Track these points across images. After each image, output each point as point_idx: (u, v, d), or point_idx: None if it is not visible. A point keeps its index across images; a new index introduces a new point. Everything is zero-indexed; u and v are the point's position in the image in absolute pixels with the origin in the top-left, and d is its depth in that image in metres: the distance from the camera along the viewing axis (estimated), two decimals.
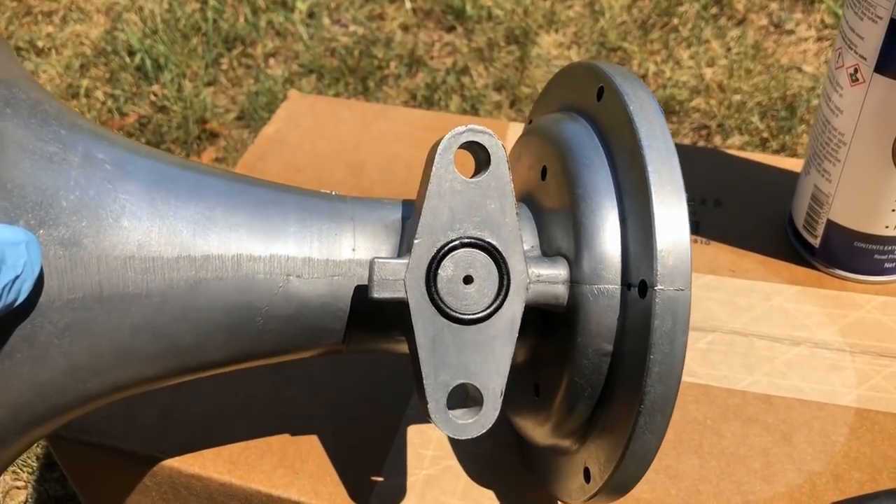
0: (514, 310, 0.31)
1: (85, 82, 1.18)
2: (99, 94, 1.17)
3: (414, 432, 0.42)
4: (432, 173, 0.30)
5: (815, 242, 0.49)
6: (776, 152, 1.01)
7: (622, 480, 0.31)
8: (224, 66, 1.21)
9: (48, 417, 0.29)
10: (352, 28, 1.25)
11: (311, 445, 0.41)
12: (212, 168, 0.33)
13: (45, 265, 0.27)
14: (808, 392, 0.43)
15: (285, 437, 0.42)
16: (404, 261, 0.30)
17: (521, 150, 0.38)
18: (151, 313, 0.29)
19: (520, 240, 0.31)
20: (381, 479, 0.40)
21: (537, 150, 0.36)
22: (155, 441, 0.42)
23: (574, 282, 0.31)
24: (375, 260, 0.30)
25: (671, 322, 0.29)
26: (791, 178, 0.53)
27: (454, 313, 0.30)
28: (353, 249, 0.32)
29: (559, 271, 0.32)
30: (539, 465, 0.38)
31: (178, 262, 0.29)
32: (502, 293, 0.31)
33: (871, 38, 0.41)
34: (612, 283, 0.31)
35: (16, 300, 0.25)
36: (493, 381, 0.31)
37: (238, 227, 0.31)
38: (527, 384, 0.36)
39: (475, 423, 0.30)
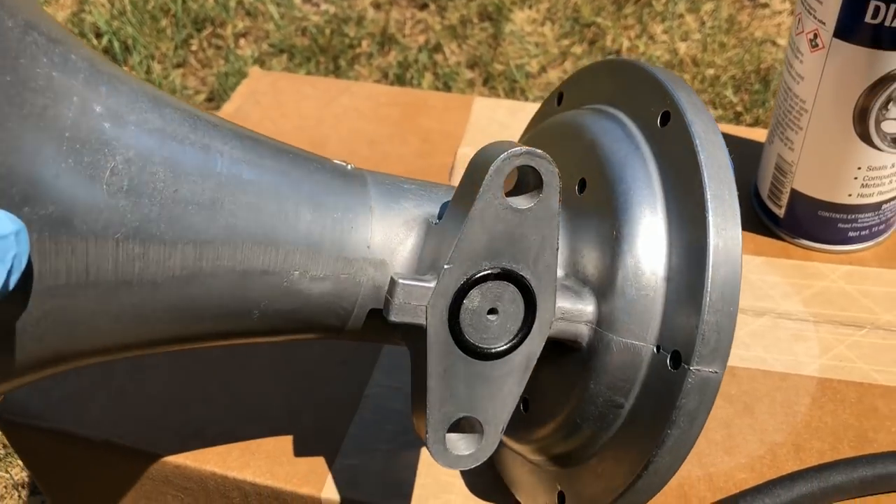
0: (532, 348, 0.29)
1: None
2: None
3: (374, 409, 0.41)
4: (479, 196, 0.27)
5: (780, 212, 0.48)
6: (750, 126, 1.01)
7: None
8: (194, 48, 1.19)
9: None
10: (323, 7, 1.24)
11: (267, 426, 0.41)
12: (223, 124, 0.28)
13: (29, 249, 0.23)
14: (772, 363, 0.43)
15: (241, 417, 0.41)
16: (430, 285, 0.27)
17: (551, 139, 0.34)
18: (138, 302, 0.26)
19: (554, 277, 0.28)
20: (339, 457, 0.39)
21: (576, 154, 0.32)
22: (109, 425, 0.41)
23: (599, 326, 0.29)
24: (399, 282, 0.27)
25: (697, 402, 0.27)
26: (756, 148, 0.53)
27: (473, 346, 0.28)
28: (368, 247, 0.29)
29: (585, 307, 0.29)
30: (508, 465, 0.38)
31: (177, 249, 0.26)
32: (525, 329, 0.29)
33: (830, 2, 0.40)
34: (642, 339, 0.28)
35: (2, 295, 0.22)
36: (498, 416, 0.29)
37: (247, 214, 0.27)
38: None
39: (471, 457, 0.29)
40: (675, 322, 0.28)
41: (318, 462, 0.39)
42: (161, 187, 0.25)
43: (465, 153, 0.55)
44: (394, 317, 0.28)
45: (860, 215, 0.46)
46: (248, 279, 0.28)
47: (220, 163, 0.27)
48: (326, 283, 0.29)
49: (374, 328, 0.31)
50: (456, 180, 0.53)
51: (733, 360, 0.43)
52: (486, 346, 0.28)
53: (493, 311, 0.28)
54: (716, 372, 0.27)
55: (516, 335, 0.29)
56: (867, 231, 0.47)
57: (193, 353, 0.44)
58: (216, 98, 1.11)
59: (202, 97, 1.12)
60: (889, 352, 0.43)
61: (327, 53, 1.14)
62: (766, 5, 1.18)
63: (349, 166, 0.31)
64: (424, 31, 1.19)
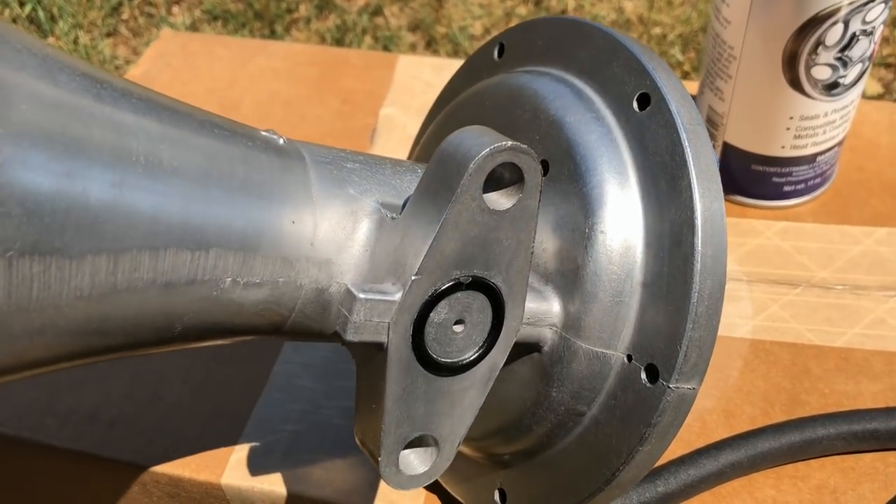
0: (496, 360, 0.26)
1: None
2: None
3: (281, 388, 0.39)
4: (456, 197, 0.23)
5: None
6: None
7: None
8: (125, 16, 1.14)
9: None
10: None
11: (166, 408, 0.38)
12: (136, 92, 0.23)
13: None
14: None
15: (138, 400, 0.38)
16: (394, 298, 0.24)
17: (494, 105, 0.30)
18: (39, 327, 0.21)
19: (526, 283, 0.25)
20: (241, 440, 0.37)
21: (534, 131, 0.29)
22: None
23: (565, 332, 0.26)
24: (359, 297, 0.23)
25: (671, 419, 0.25)
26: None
27: (436, 362, 0.25)
28: (312, 244, 0.25)
29: (550, 308, 0.27)
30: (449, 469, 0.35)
31: (85, 262, 0.20)
32: (489, 340, 0.26)
33: None
34: (611, 348, 0.26)
35: None
36: (455, 431, 0.26)
37: (170, 211, 0.22)
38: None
39: (424, 475, 0.26)
40: (652, 333, 0.25)
41: (219, 446, 0.36)
42: (63, 190, 0.20)
43: (388, 114, 0.52)
44: (351, 336, 0.24)
45: (794, 168, 0.44)
46: (172, 292, 0.22)
47: (136, 146, 0.21)
48: (263, 290, 0.24)
49: (312, 333, 0.26)
50: (379, 143, 0.50)
51: None
52: (449, 361, 0.25)
53: (460, 322, 0.25)
54: (693, 388, 0.25)
55: (481, 346, 0.26)
56: (803, 185, 0.45)
57: None
58: None
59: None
60: (823, 310, 0.41)
61: (263, 19, 1.10)
62: None
63: (281, 139, 0.26)
64: None
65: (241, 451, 0.36)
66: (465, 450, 0.32)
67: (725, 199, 0.46)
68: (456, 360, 0.25)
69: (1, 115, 0.18)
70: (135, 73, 0.56)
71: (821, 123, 0.42)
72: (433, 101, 0.53)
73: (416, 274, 0.23)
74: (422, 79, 0.55)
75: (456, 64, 0.57)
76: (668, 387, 0.25)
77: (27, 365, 0.22)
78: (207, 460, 0.36)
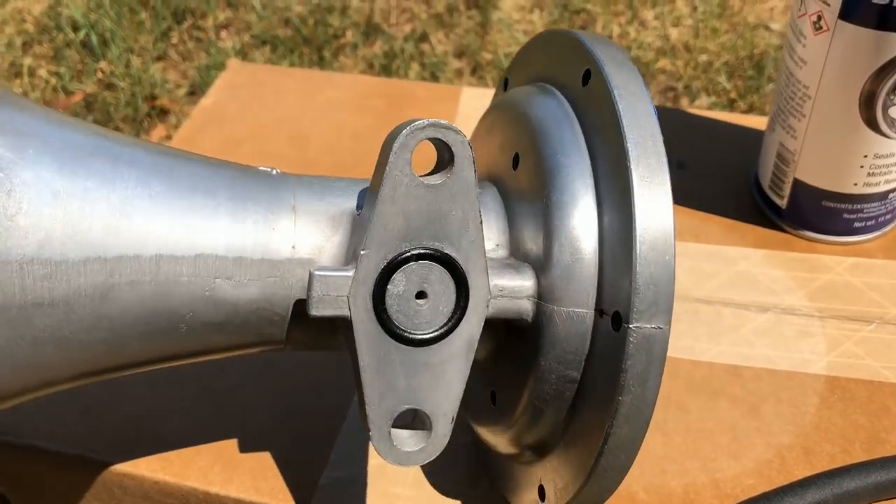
0: (471, 329, 0.27)
1: (28, 60, 1.13)
2: (42, 72, 1.12)
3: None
4: (385, 174, 0.26)
5: (782, 203, 0.46)
6: (745, 113, 0.99)
7: None
8: (174, 40, 1.17)
9: None
10: None
11: (250, 438, 0.39)
12: (134, 141, 0.28)
13: None
14: (777, 361, 0.41)
15: (223, 430, 0.39)
16: (348, 273, 0.26)
17: (493, 121, 0.34)
18: (55, 324, 0.25)
19: (483, 253, 0.27)
20: (326, 471, 0.37)
21: (511, 130, 0.32)
22: (83, 440, 0.39)
23: (541, 298, 0.28)
24: (315, 273, 0.26)
25: (644, 363, 0.26)
26: (756, 137, 0.51)
27: (404, 333, 0.27)
28: (293, 247, 0.28)
29: (525, 283, 0.28)
30: (493, 466, 0.36)
31: (87, 266, 0.25)
32: (459, 311, 0.27)
33: None
34: (583, 306, 0.27)
35: None
36: (444, 406, 0.27)
37: (159, 222, 0.26)
38: (484, 388, 0.33)
39: (422, 452, 0.27)
40: (613, 283, 0.27)
41: (304, 476, 0.37)
42: (64, 204, 0.25)
43: None
44: (314, 311, 0.26)
45: (866, 205, 0.44)
46: (168, 290, 0.26)
47: (128, 174, 0.26)
48: (252, 288, 0.27)
49: (318, 334, 0.29)
50: None
51: (736, 359, 0.41)
52: (418, 332, 0.27)
53: (422, 294, 0.27)
54: (659, 328, 0.26)
55: (451, 317, 0.27)
56: (873, 221, 0.45)
57: None
58: (197, 92, 1.08)
59: (183, 91, 1.09)
60: None
61: (311, 44, 1.12)
62: None
63: (274, 171, 0.30)
64: (410, 20, 1.17)
65: (325, 481, 0.37)
66: (508, 449, 0.32)
67: (794, 234, 0.47)
68: (426, 331, 0.27)
69: (13, 158, 0.24)
70: (205, 103, 0.57)
71: (895, 161, 0.42)
72: None
73: (364, 248, 0.26)
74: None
75: None
76: (630, 328, 0.25)
77: (57, 375, 0.27)
78: (293, 490, 0.37)
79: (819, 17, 0.39)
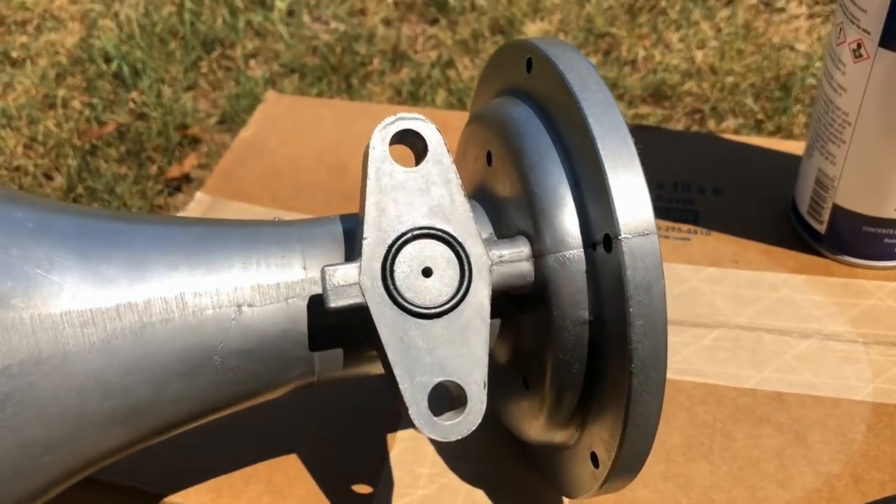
0: (480, 295, 0.29)
1: (61, 92, 1.16)
2: (76, 103, 1.14)
3: (408, 450, 0.40)
4: (369, 169, 0.29)
5: (821, 228, 0.46)
6: (772, 134, 0.99)
7: (630, 454, 0.29)
8: (203, 70, 1.19)
9: None
10: (333, 25, 1.23)
11: (298, 468, 0.39)
12: (143, 214, 0.31)
13: None
14: (822, 387, 0.41)
15: (271, 460, 0.39)
16: (355, 264, 0.28)
17: (465, 144, 0.37)
18: (98, 368, 0.27)
19: (473, 221, 0.30)
20: (374, 501, 0.38)
21: (479, 137, 0.34)
22: (134, 471, 0.39)
23: (537, 256, 0.30)
24: (325, 268, 0.28)
25: (643, 269, 0.27)
26: (791, 161, 0.51)
27: (418, 309, 0.28)
28: (304, 268, 0.30)
29: (521, 248, 0.30)
30: (546, 466, 0.36)
31: (119, 311, 0.27)
32: (465, 280, 0.29)
33: (874, 10, 0.38)
34: (576, 247, 0.29)
35: None
36: (473, 372, 0.29)
37: (177, 265, 0.29)
38: (515, 381, 0.34)
39: (463, 422, 0.28)
40: (595, 215, 0.29)
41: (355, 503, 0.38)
42: (89, 261, 0.27)
43: None
44: (332, 303, 0.28)
45: None
46: (196, 323, 0.29)
47: (145, 230, 0.30)
48: (275, 311, 0.29)
49: (345, 348, 0.31)
50: None
51: (780, 386, 0.41)
52: (432, 307, 0.29)
53: (428, 272, 0.29)
54: (647, 234, 0.27)
55: (459, 287, 0.29)
56: None
57: None
58: (227, 121, 1.10)
59: (214, 120, 1.11)
60: None
61: (339, 72, 1.13)
62: (782, 10, 1.16)
63: (275, 218, 0.33)
64: (436, 47, 1.18)
65: None
66: (561, 433, 0.33)
67: (834, 259, 0.47)
68: (438, 304, 0.29)
69: (41, 233, 0.27)
70: (245, 134, 0.58)
71: None
72: None
73: (364, 237, 0.28)
74: None
75: None
76: (620, 239, 0.27)
77: (110, 438, 0.28)
78: None
79: (859, 45, 0.40)
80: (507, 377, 0.34)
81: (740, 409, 0.40)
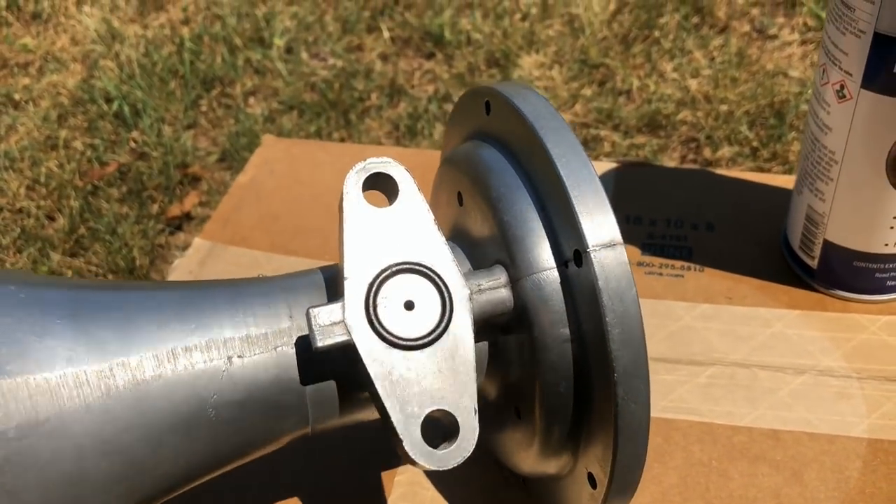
0: (463, 324, 0.30)
1: (63, 133, 1.17)
2: (78, 144, 1.15)
3: (406, 495, 0.40)
4: (345, 212, 0.30)
5: (813, 264, 0.47)
6: (767, 161, 1.00)
7: (624, 467, 0.30)
8: (203, 108, 1.20)
9: None
10: (331, 61, 1.24)
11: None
12: (131, 281, 0.34)
13: None
14: (817, 424, 0.41)
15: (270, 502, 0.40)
16: (339, 303, 0.29)
17: (437, 189, 0.38)
18: (96, 428, 0.27)
19: (449, 253, 0.31)
20: None
21: (449, 180, 0.36)
22: None
23: (514, 281, 0.31)
24: (310, 309, 0.29)
25: (615, 279, 0.28)
26: (783, 196, 0.51)
27: (404, 341, 0.29)
28: (291, 317, 0.31)
29: (498, 276, 0.31)
30: (546, 497, 0.36)
31: (113, 370, 0.28)
32: (447, 310, 0.30)
33: (855, 53, 0.39)
34: (549, 267, 0.30)
35: None
36: (463, 399, 0.29)
37: (167, 323, 0.30)
38: (507, 413, 0.34)
39: (457, 449, 0.29)
40: (564, 233, 0.30)
41: None
42: (81, 323, 0.28)
43: None
44: (319, 343, 0.29)
45: None
46: (189, 377, 0.29)
47: (131, 296, 0.30)
48: (265, 360, 0.30)
49: (338, 390, 0.31)
50: None
51: (775, 423, 0.41)
52: (416, 336, 0.29)
53: (410, 305, 0.30)
54: (614, 244, 0.28)
55: (441, 317, 0.30)
56: None
57: None
58: (228, 158, 1.11)
59: (214, 158, 1.12)
60: None
61: (337, 108, 1.14)
62: (774, 37, 1.17)
63: (259, 275, 0.34)
64: (433, 81, 1.19)
65: None
66: (557, 460, 0.33)
67: (827, 294, 0.47)
68: (423, 336, 0.29)
69: (32, 299, 0.28)
70: (242, 179, 0.59)
71: None
72: None
73: (346, 278, 0.29)
74: None
75: None
76: (589, 251, 0.28)
77: (108, 491, 0.28)
78: None
79: (842, 86, 0.40)
80: (498, 411, 0.35)
81: (736, 447, 0.41)
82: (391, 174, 0.31)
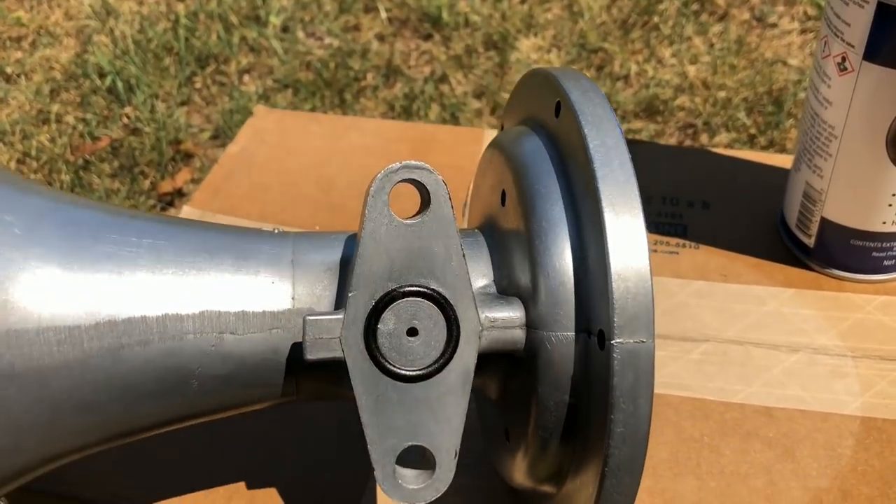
0: (466, 361, 0.28)
1: (55, 107, 1.16)
2: (70, 118, 1.14)
3: None
4: (365, 218, 0.27)
5: (810, 242, 0.46)
6: (764, 148, 0.99)
7: None
8: (197, 85, 1.19)
9: None
10: (327, 40, 1.23)
11: (281, 487, 0.39)
12: (142, 214, 0.30)
13: None
14: (810, 402, 0.41)
15: (254, 478, 0.39)
16: (339, 316, 0.27)
17: (486, 165, 0.35)
18: (72, 385, 0.26)
19: (469, 284, 0.28)
20: None
21: (498, 169, 0.33)
22: (116, 487, 0.39)
23: (531, 326, 0.28)
24: (307, 318, 0.27)
25: (632, 378, 0.26)
26: (780, 175, 0.51)
27: (398, 370, 0.27)
28: (293, 298, 0.29)
29: (515, 314, 0.29)
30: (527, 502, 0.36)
31: (98, 329, 0.27)
32: (452, 344, 0.28)
33: (858, 24, 0.38)
34: (569, 329, 0.28)
35: None
36: (447, 441, 0.28)
37: (164, 284, 0.28)
38: (499, 427, 0.33)
39: (428, 488, 0.28)
40: (595, 303, 0.27)
41: None
42: (73, 275, 0.27)
43: None
44: (309, 355, 0.27)
45: (895, 243, 0.44)
46: (175, 347, 0.28)
47: (135, 241, 0.28)
48: (257, 340, 0.28)
49: (325, 381, 0.30)
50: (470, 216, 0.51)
51: (769, 400, 0.41)
52: (413, 369, 0.28)
53: (413, 331, 0.28)
54: (643, 341, 0.26)
55: (444, 352, 0.28)
56: None
57: None
58: (221, 135, 1.10)
59: (207, 135, 1.11)
60: None
61: (332, 87, 1.13)
62: (774, 25, 1.17)
63: (275, 230, 0.31)
64: (430, 62, 1.18)
65: None
66: (540, 487, 0.32)
67: (823, 273, 0.47)
68: (420, 368, 0.27)
69: (27, 238, 0.26)
70: (232, 149, 0.58)
71: None
72: None
73: (351, 290, 0.27)
74: None
75: None
76: (613, 343, 0.26)
77: (85, 441, 0.28)
78: None
79: (843, 59, 0.40)
80: (494, 419, 0.34)
81: (728, 423, 0.40)
82: (425, 182, 0.27)
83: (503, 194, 0.32)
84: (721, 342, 0.44)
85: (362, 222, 0.27)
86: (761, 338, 0.44)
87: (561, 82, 0.30)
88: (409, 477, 0.28)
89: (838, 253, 0.45)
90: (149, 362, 0.27)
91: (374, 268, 0.27)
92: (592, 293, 0.27)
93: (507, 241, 0.31)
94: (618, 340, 0.26)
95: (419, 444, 0.28)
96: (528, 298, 0.29)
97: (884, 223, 0.43)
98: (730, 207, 0.51)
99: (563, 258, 0.28)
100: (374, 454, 0.27)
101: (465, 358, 0.28)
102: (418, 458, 0.28)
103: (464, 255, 0.28)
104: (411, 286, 0.27)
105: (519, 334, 0.29)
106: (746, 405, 0.41)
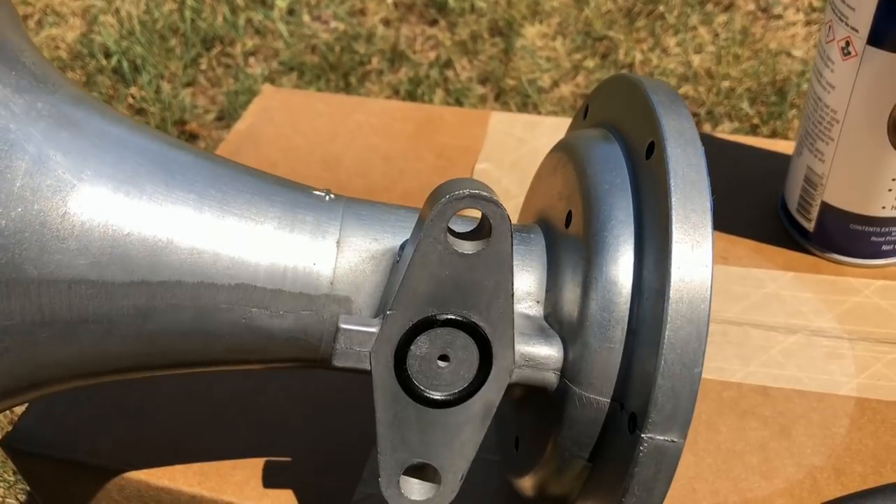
0: (491, 396, 0.28)
1: None
2: None
3: None
4: (420, 240, 0.26)
5: (810, 226, 0.47)
6: (767, 138, 1.00)
7: None
8: (203, 66, 1.19)
9: None
10: (332, 24, 1.23)
11: (286, 454, 0.39)
12: (195, 155, 0.29)
13: None
14: (807, 382, 0.41)
15: (259, 446, 0.40)
16: (373, 330, 0.27)
17: (559, 162, 0.32)
18: (97, 338, 0.27)
19: (511, 324, 0.27)
20: (359, 486, 0.38)
21: (571, 182, 0.30)
22: (123, 454, 0.40)
23: (565, 376, 0.28)
24: (341, 327, 0.27)
25: (653, 472, 0.26)
26: (782, 161, 0.51)
27: (423, 393, 0.27)
28: (332, 283, 0.28)
29: (552, 354, 0.28)
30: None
31: (131, 288, 0.26)
32: (480, 377, 0.27)
33: (863, 8, 0.39)
34: (604, 395, 0.27)
35: None
36: (455, 464, 0.28)
37: (203, 252, 0.27)
38: (511, 432, 0.33)
39: (428, 502, 0.28)
40: (635, 381, 0.26)
41: (338, 491, 0.38)
42: (114, 229, 0.26)
43: (483, 168, 0.54)
44: (337, 362, 0.27)
45: (894, 228, 0.45)
46: (206, 316, 0.27)
47: (182, 197, 0.27)
48: (288, 320, 0.28)
49: (352, 371, 0.29)
50: None
51: (766, 380, 0.41)
52: (437, 393, 0.27)
53: (445, 357, 0.27)
54: (673, 441, 0.25)
55: (471, 382, 0.27)
56: None
57: (208, 379, 0.42)
58: (226, 117, 1.10)
59: (212, 116, 1.11)
60: None
61: (337, 71, 1.14)
62: (779, 16, 1.17)
63: (327, 196, 0.30)
64: (435, 47, 1.18)
65: (358, 499, 0.37)
66: (530, 493, 0.32)
67: (822, 257, 0.47)
68: (444, 393, 0.27)
69: (71, 182, 0.25)
70: (239, 126, 0.58)
71: None
72: (526, 157, 0.55)
73: (391, 309, 0.26)
74: (514, 135, 0.57)
75: (546, 121, 0.58)
76: (643, 437, 0.25)
77: (100, 372, 0.28)
78: None
79: (847, 43, 0.40)
80: (506, 419, 0.34)
81: (725, 402, 0.41)
82: (488, 214, 0.26)
83: (569, 216, 0.30)
84: (720, 323, 0.44)
85: (415, 242, 0.26)
86: (760, 319, 0.44)
87: (661, 123, 0.27)
88: (413, 487, 0.28)
89: (838, 237, 0.46)
90: (177, 325, 0.27)
91: (418, 290, 0.26)
92: (636, 375, 0.26)
93: (564, 265, 0.29)
94: (648, 435, 0.25)
95: (428, 462, 0.28)
96: (569, 342, 0.28)
97: (883, 208, 0.44)
98: (731, 192, 0.52)
99: (615, 320, 0.27)
100: (383, 463, 0.28)
101: (491, 392, 0.27)
102: (424, 471, 0.29)
103: (513, 296, 0.27)
104: (452, 316, 0.27)
105: (551, 378, 0.28)
106: (744, 384, 0.41)
